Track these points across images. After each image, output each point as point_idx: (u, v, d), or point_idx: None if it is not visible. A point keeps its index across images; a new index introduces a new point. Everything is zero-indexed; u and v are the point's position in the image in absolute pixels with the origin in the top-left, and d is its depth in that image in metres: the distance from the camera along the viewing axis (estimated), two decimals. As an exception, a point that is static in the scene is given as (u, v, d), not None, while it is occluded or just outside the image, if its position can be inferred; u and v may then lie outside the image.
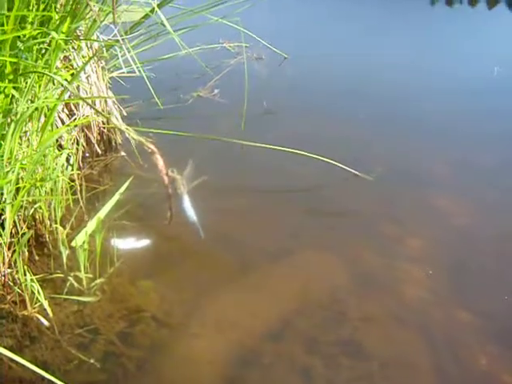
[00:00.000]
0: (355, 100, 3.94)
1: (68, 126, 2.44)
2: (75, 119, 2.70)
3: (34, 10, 2.01)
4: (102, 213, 2.56)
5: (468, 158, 3.34)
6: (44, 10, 2.08)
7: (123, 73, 3.04)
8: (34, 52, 2.13)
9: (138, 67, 2.63)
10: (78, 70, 2.44)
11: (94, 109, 2.35)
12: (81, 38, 2.62)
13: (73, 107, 2.78)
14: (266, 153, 2.97)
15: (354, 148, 3.35)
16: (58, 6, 2.19)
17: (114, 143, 3.09)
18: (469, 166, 3.27)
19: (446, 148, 3.43)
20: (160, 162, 1.27)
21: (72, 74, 2.40)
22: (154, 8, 2.25)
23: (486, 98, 4.09)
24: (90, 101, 2.56)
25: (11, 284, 2.23)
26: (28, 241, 2.38)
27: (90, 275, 2.35)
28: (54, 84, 2.26)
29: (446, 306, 2.37)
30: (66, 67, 2.60)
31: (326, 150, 3.06)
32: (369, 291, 2.43)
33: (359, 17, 5.63)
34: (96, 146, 2.99)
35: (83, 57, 2.67)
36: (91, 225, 2.49)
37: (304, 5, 5.77)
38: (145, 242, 2.56)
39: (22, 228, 2.35)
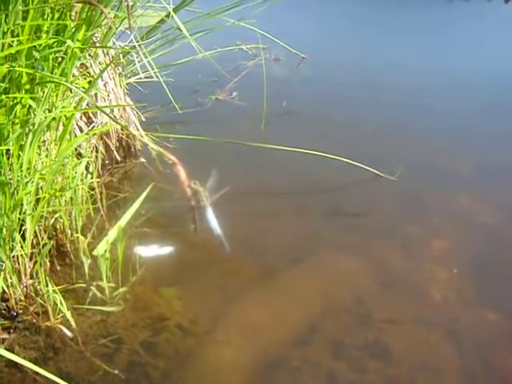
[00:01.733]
0: (374, 101, 3.91)
1: (87, 134, 2.42)
2: (93, 127, 2.68)
3: (48, 18, 1.99)
4: (123, 221, 2.53)
5: (489, 156, 3.29)
6: (59, 18, 2.06)
7: (140, 78, 3.02)
8: (50, 61, 2.11)
9: (155, 72, 2.61)
10: (95, 77, 2.42)
11: (111, 119, 2.32)
12: (97, 45, 2.59)
13: (91, 115, 2.76)
14: (287, 154, 2.95)
15: (375, 148, 3.32)
16: (73, 13, 2.17)
17: (133, 149, 3.08)
18: (490, 164, 3.22)
19: (468, 147, 3.39)
20: (182, 173, 1.24)
21: (89, 82, 2.37)
22: (169, 12, 2.22)
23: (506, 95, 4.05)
24: (108, 110, 2.53)
25: (33, 295, 2.21)
26: (49, 251, 2.36)
27: (113, 284, 2.32)
28: (71, 92, 2.24)
29: (473, 307, 2.34)
30: (83, 75, 2.58)
31: (346, 150, 3.03)
32: (394, 293, 2.40)
33: (377, 16, 5.59)
34: (115, 152, 2.97)
35: (100, 64, 2.65)
36: (112, 233, 2.47)
37: (321, 6, 5.74)
38: (167, 250, 2.54)
39: (42, 238, 2.33)
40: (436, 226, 2.77)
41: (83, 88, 2.29)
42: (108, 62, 2.67)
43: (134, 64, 2.92)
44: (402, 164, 3.08)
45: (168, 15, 2.66)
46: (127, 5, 1.75)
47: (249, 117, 3.41)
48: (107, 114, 2.24)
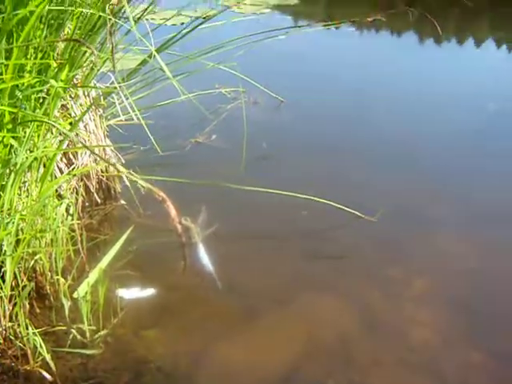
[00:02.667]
0: (352, 141, 3.94)
1: (69, 174, 2.41)
2: (74, 168, 2.66)
3: (32, 58, 1.99)
4: (104, 263, 2.51)
5: (469, 196, 3.33)
6: (42, 58, 2.06)
7: (121, 120, 3.02)
8: (33, 101, 2.10)
9: (136, 114, 2.61)
10: (78, 118, 2.42)
11: (97, 156, 2.31)
12: (78, 86, 2.60)
13: (71, 156, 2.75)
14: (268, 196, 2.94)
15: (354, 189, 3.33)
16: (55, 54, 2.17)
17: (113, 191, 3.06)
18: (470, 204, 3.25)
19: (447, 187, 3.42)
20: (172, 210, 1.24)
21: (71, 123, 2.37)
22: (151, 53, 2.24)
23: (483, 135, 4.11)
24: (96, 149, 2.53)
25: (12, 338, 2.16)
26: (29, 293, 2.33)
27: (94, 327, 2.29)
28: (52, 133, 2.23)
29: (456, 348, 2.33)
30: (64, 116, 2.58)
31: (326, 192, 3.04)
32: (377, 334, 2.39)
33: (350, 59, 5.68)
34: (95, 194, 2.95)
35: (81, 105, 2.65)
36: (93, 275, 2.44)
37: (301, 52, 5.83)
38: (148, 292, 2.51)
39: (22, 280, 2.30)
40: (416, 266, 2.78)
41: (65, 128, 2.28)
42: (89, 103, 2.67)
43: (115, 106, 2.92)
44: (383, 205, 3.09)
45: (150, 56, 2.68)
46: (111, 45, 1.76)
47: (229, 159, 3.42)
48: (93, 152, 2.23)
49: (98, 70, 2.70)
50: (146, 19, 3.27)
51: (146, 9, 2.63)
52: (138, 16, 2.39)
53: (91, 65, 2.61)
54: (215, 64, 3.25)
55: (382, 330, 2.41)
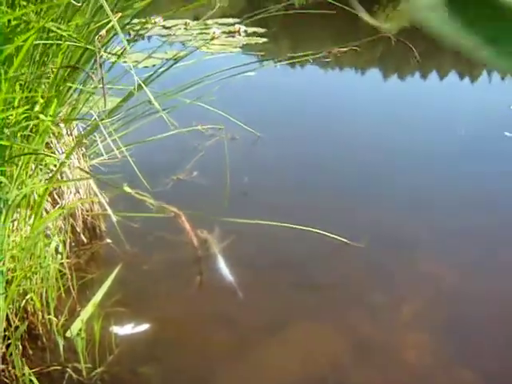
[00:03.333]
0: (330, 171, 3.99)
1: (61, 208, 2.39)
2: (61, 208, 2.64)
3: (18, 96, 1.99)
4: (96, 299, 2.48)
5: (449, 219, 3.37)
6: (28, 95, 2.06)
7: (104, 159, 3.01)
8: (19, 138, 2.09)
9: (120, 152, 2.62)
10: (68, 152, 2.40)
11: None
12: (61, 125, 2.59)
13: (56, 196, 2.73)
14: (253, 227, 2.95)
15: (340, 217, 3.35)
16: (42, 90, 2.17)
17: (98, 230, 3.03)
18: (451, 227, 3.29)
19: (428, 211, 3.46)
20: (186, 224, 1.23)
21: (58, 160, 2.36)
22: (137, 86, 2.25)
23: (457, 160, 4.19)
24: (81, 189, 2.51)
25: (7, 381, 2.11)
26: (21, 335, 2.28)
27: (89, 365, 2.25)
28: (40, 170, 2.22)
29: (449, 369, 2.33)
30: (47, 155, 2.56)
31: (311, 220, 3.05)
32: (369, 359, 2.39)
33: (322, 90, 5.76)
34: (81, 234, 2.93)
35: (64, 144, 2.64)
36: (86, 312, 2.40)
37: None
38: (142, 327, 2.48)
39: (14, 321, 2.26)
40: (403, 291, 2.79)
41: (55, 166, 2.27)
42: (72, 141, 2.66)
43: (96, 145, 2.92)
44: (367, 231, 3.12)
45: (135, 90, 2.68)
46: (101, 76, 1.76)
47: (211, 195, 3.43)
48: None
49: (80, 109, 2.69)
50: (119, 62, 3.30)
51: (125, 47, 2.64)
52: (121, 51, 2.40)
53: (73, 103, 2.61)
54: (192, 101, 3.27)
55: (374, 354, 2.41)
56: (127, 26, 2.96)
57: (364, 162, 4.14)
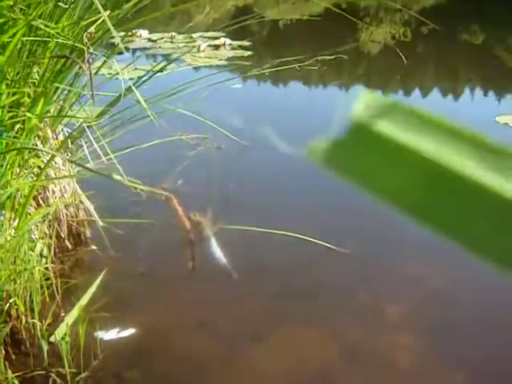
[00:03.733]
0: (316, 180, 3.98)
1: (48, 206, 2.35)
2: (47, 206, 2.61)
3: (5, 93, 1.97)
4: (81, 304, 2.44)
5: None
6: (15, 93, 2.04)
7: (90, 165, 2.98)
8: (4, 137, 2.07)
9: (108, 159, 2.60)
10: (56, 150, 2.37)
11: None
12: (47, 128, 2.57)
13: (41, 201, 2.69)
14: (239, 234, 2.93)
15: (325, 222, 3.34)
16: (27, 90, 2.14)
17: (83, 237, 3.00)
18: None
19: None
20: (178, 207, 1.20)
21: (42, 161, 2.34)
22: (128, 88, 2.23)
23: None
24: (67, 194, 2.47)
25: (-12, 386, 2.07)
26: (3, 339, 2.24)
27: (74, 370, 2.21)
28: (26, 170, 2.19)
29: (439, 370, 2.32)
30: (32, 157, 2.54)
31: (297, 226, 3.04)
32: (359, 364, 2.37)
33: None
34: (66, 240, 2.89)
35: (50, 148, 2.61)
36: (71, 317, 2.37)
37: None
38: (127, 332, 2.45)
39: (-4, 325, 2.22)
40: (390, 293, 2.78)
41: (38, 167, 2.24)
42: (58, 144, 2.63)
43: (82, 151, 2.89)
44: (352, 236, 3.11)
45: (125, 91, 2.66)
46: (90, 73, 1.74)
47: (197, 203, 3.40)
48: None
49: (67, 111, 2.67)
50: (103, 74, 3.29)
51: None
52: (107, 57, 2.38)
53: (61, 103, 2.59)
54: (175, 108, 3.25)
55: (364, 359, 2.39)
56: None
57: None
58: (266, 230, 2.95)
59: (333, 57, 3.31)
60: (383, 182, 0.41)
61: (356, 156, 0.41)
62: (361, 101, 0.40)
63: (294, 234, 2.96)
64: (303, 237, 2.96)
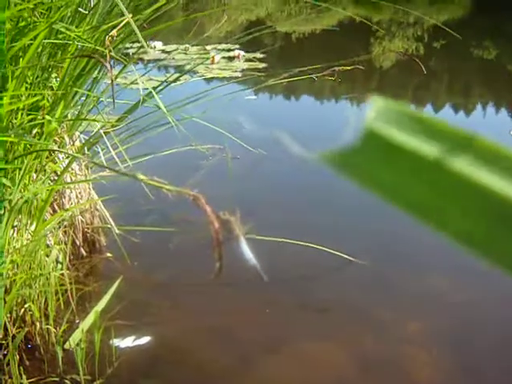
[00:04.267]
0: (333, 189, 3.96)
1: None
2: (62, 220, 2.59)
3: (25, 96, 1.96)
4: (97, 310, 2.42)
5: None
6: (34, 96, 2.03)
7: (106, 172, 2.98)
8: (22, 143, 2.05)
9: (128, 165, 2.59)
10: (70, 159, 2.36)
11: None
12: (65, 135, 2.56)
13: (56, 206, 2.68)
14: (253, 244, 2.90)
15: (341, 235, 3.31)
16: (46, 92, 2.14)
17: (97, 245, 2.98)
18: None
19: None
20: (206, 206, 1.18)
21: (60, 166, 2.32)
22: (148, 93, 2.22)
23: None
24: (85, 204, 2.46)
25: (3, 391, 2.05)
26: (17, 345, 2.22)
27: (89, 377, 2.18)
28: (44, 175, 2.17)
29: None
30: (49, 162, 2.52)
31: (316, 237, 3.01)
32: (376, 378, 2.33)
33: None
34: (81, 247, 2.87)
35: (67, 154, 2.60)
36: (86, 323, 2.34)
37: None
38: (143, 340, 2.42)
39: (11, 331, 2.19)
40: (408, 307, 2.74)
41: (55, 172, 2.23)
42: (76, 150, 2.62)
43: (99, 157, 2.88)
44: (371, 247, 3.08)
45: (137, 104, 2.66)
46: (111, 79, 1.73)
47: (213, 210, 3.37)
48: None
49: (86, 116, 2.66)
50: (118, 83, 3.29)
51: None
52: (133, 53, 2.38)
53: (77, 112, 2.58)
54: (191, 116, 3.24)
55: (381, 373, 2.36)
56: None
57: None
58: (284, 240, 2.93)
59: (350, 67, 3.27)
60: (403, 192, 0.40)
61: (370, 163, 0.40)
62: (373, 107, 0.39)
63: (311, 245, 2.94)
64: (322, 248, 2.93)
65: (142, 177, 1.37)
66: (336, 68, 3.22)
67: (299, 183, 4.12)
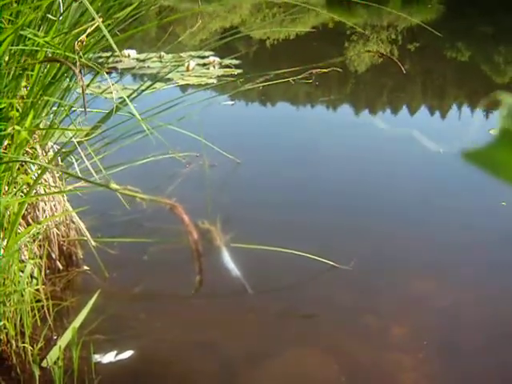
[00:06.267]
0: (311, 195, 3.92)
1: (39, 223, 2.26)
2: (37, 232, 2.51)
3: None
4: (75, 326, 2.34)
5: (438, 236, 3.30)
6: (2, 109, 1.96)
7: (81, 183, 2.90)
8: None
9: (103, 176, 2.53)
10: (41, 171, 2.28)
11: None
12: (37, 145, 2.48)
13: (30, 220, 2.60)
14: (236, 253, 2.84)
15: (326, 239, 3.26)
16: (15, 101, 2.06)
17: (74, 258, 2.90)
18: (440, 244, 3.21)
19: (418, 232, 3.39)
20: (184, 215, 1.11)
21: (31, 178, 2.25)
22: (122, 101, 2.16)
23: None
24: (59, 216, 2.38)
25: (-21, 414, 1.97)
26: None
27: (67, 396, 2.11)
28: (15, 187, 2.10)
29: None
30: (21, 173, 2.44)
31: (297, 243, 2.95)
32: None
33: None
34: (57, 261, 2.79)
35: (39, 166, 2.52)
36: (64, 340, 2.26)
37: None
38: (124, 355, 2.34)
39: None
40: (394, 312, 2.69)
41: (27, 184, 2.15)
42: (48, 160, 2.54)
43: (74, 169, 2.81)
44: (355, 253, 3.03)
45: (110, 113, 2.59)
46: (82, 86, 1.66)
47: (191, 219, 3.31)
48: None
49: (58, 126, 2.59)
50: (91, 93, 3.22)
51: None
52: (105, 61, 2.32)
53: (48, 122, 2.51)
54: (166, 124, 3.18)
55: (368, 379, 2.31)
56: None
57: (346, 184, 4.10)
58: (263, 248, 2.87)
59: (326, 70, 3.23)
60: None
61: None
62: (504, 106, 0.37)
63: (292, 251, 2.88)
64: (306, 254, 2.88)
65: (115, 186, 1.31)
66: (313, 71, 3.18)
67: (280, 186, 4.08)
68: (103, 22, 2.14)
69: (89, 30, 1.72)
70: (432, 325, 2.61)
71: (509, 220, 3.59)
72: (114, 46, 1.46)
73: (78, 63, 1.63)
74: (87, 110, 2.93)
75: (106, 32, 1.51)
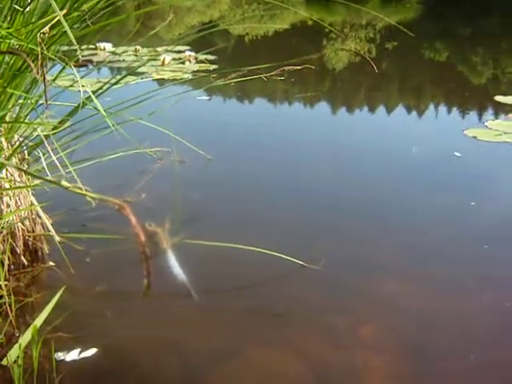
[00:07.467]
0: (283, 192, 3.91)
1: (1, 218, 2.21)
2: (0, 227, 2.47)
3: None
4: (36, 324, 2.29)
5: (407, 237, 3.30)
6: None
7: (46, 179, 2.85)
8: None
9: (68, 172, 2.49)
10: (8, 155, 2.23)
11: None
12: (1, 138, 2.43)
13: (-7, 215, 2.55)
14: (206, 250, 2.82)
15: (295, 238, 3.24)
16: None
17: (40, 253, 2.85)
18: (408, 245, 3.21)
19: (386, 231, 3.38)
20: (132, 217, 1.08)
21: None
22: (88, 97, 2.12)
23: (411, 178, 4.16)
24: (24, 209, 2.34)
25: None
26: None
27: (27, 395, 2.07)
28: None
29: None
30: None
31: (266, 242, 2.93)
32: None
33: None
34: (22, 256, 2.74)
35: (5, 159, 2.47)
36: (25, 338, 2.22)
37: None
38: (86, 353, 2.30)
39: None
40: (362, 312, 2.68)
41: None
42: (13, 155, 2.50)
43: (41, 163, 2.75)
44: (324, 252, 3.01)
45: (78, 107, 2.55)
46: (44, 78, 1.62)
47: (161, 217, 3.28)
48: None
49: (24, 119, 2.54)
50: (63, 86, 3.17)
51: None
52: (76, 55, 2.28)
53: (14, 115, 2.46)
54: (136, 118, 3.14)
55: (336, 381, 2.29)
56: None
57: (319, 181, 4.10)
58: (232, 245, 2.85)
59: (300, 67, 3.21)
60: None
61: None
62: None
63: (261, 250, 2.85)
64: (274, 253, 2.85)
65: (66, 184, 1.27)
66: (285, 68, 3.16)
67: (251, 183, 4.07)
68: (70, 13, 2.10)
69: (53, 22, 1.67)
70: (401, 325, 2.60)
71: (479, 218, 3.59)
72: (73, 39, 1.43)
73: (39, 55, 1.59)
74: (55, 103, 2.90)
75: (64, 23, 1.47)
